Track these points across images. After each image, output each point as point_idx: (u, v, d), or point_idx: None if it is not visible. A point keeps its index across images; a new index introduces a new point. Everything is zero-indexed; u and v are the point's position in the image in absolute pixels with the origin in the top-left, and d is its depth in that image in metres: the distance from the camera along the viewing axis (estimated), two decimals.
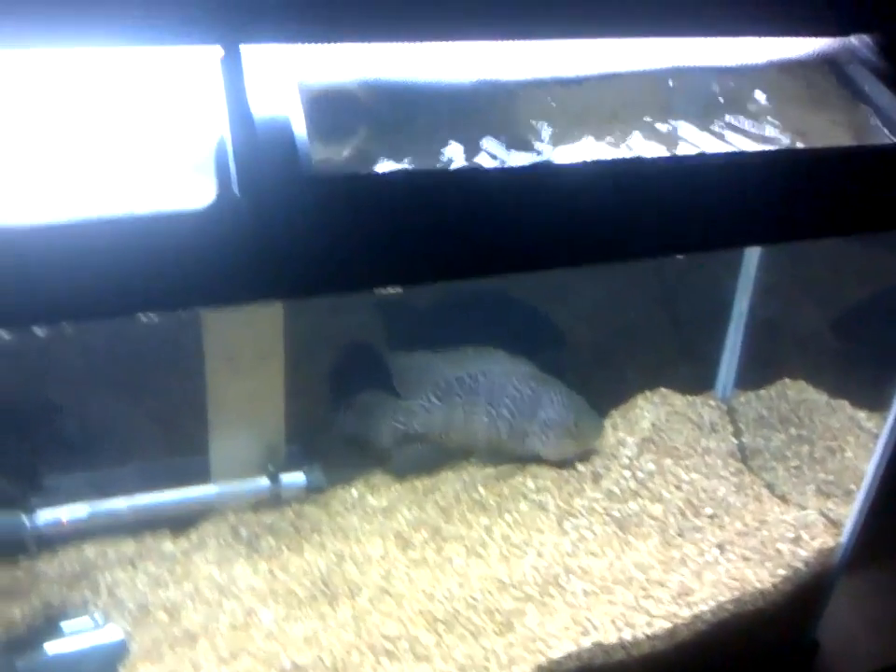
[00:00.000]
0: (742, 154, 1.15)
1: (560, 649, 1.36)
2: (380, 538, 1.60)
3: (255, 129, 0.90)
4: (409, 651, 1.38)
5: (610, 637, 1.38)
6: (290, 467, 1.67)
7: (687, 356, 1.94)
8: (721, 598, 1.46)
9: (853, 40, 1.27)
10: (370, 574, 1.52)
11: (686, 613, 1.43)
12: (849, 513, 1.53)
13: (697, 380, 1.93)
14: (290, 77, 0.96)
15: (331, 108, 1.00)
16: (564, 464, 1.73)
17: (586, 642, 1.37)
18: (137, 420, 1.66)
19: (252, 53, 0.95)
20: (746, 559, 1.53)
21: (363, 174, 0.95)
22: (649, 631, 1.40)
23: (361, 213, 0.89)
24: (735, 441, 1.83)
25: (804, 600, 1.53)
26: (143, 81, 0.97)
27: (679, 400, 1.91)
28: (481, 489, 1.70)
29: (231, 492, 1.63)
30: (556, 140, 1.08)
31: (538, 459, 1.74)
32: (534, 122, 1.10)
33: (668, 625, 1.41)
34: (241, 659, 1.37)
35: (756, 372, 1.92)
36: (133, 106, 0.98)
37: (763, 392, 1.94)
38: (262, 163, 0.88)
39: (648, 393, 1.92)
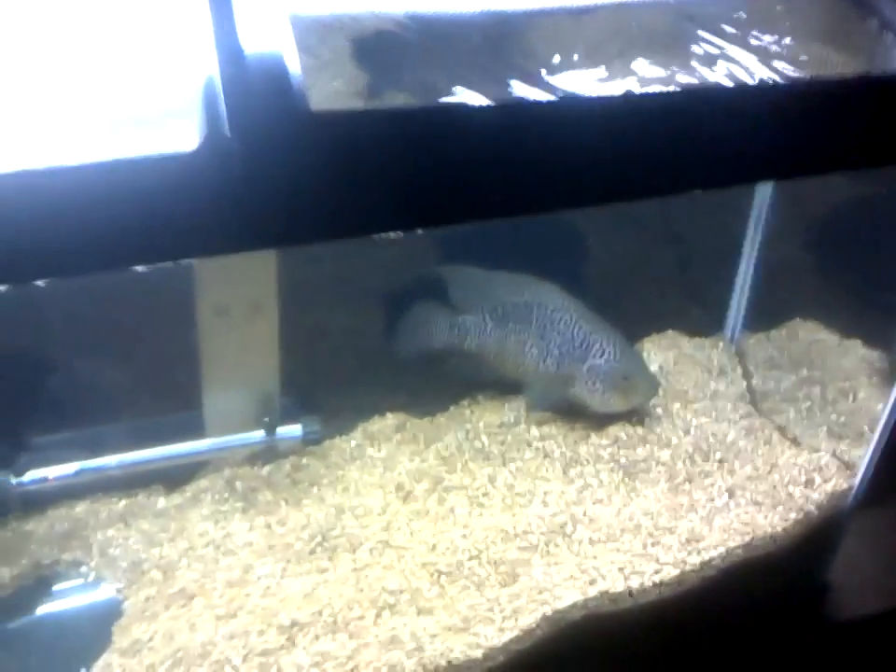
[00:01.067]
0: (751, 86, 1.08)
1: (566, 598, 1.32)
2: (380, 489, 1.55)
3: (245, 65, 0.82)
4: (411, 604, 1.34)
5: (618, 586, 1.34)
6: (287, 419, 1.62)
7: (696, 297, 1.87)
8: (731, 544, 1.41)
9: None
10: (370, 527, 1.48)
11: (695, 560, 1.38)
12: (863, 454, 1.48)
13: (706, 322, 1.87)
14: (281, 9, 0.88)
15: (325, 41, 0.93)
16: (611, 418, 1.66)
17: (593, 591, 1.33)
18: (127, 375, 1.61)
19: None
20: (757, 503, 1.48)
21: (362, 109, 0.88)
22: (657, 578, 1.36)
23: (362, 151, 0.82)
24: (745, 384, 1.77)
25: (815, 543, 1.49)
26: (126, 18, 0.90)
27: (687, 343, 1.85)
28: (484, 437, 1.65)
29: (225, 445, 1.58)
30: (561, 72, 1.00)
31: (584, 408, 1.67)
32: (541, 54, 1.02)
33: (677, 572, 1.37)
34: (239, 617, 1.33)
35: (767, 314, 1.85)
36: (117, 45, 0.91)
37: (773, 333, 1.88)
38: (254, 101, 0.81)
39: (655, 336, 1.85)
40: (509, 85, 0.92)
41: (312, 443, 1.64)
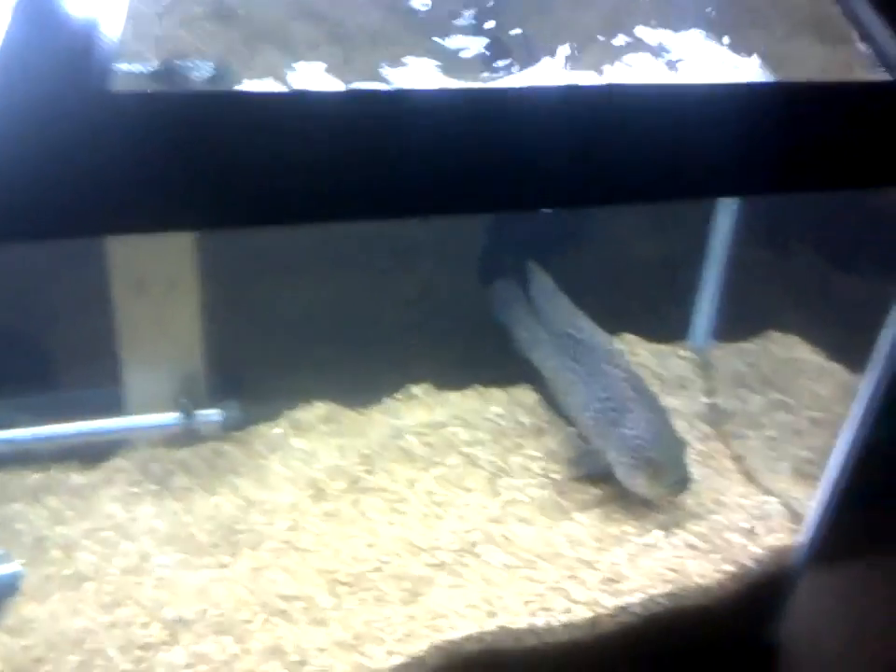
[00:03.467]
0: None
1: (462, 628, 1.24)
2: (294, 485, 1.49)
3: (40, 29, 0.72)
4: (304, 613, 1.28)
5: (520, 622, 1.25)
6: (213, 401, 1.55)
7: (660, 299, 1.73)
8: (654, 591, 1.30)
9: None
10: (276, 524, 1.41)
11: (611, 603, 1.28)
12: (812, 506, 1.35)
13: (670, 326, 1.74)
14: None
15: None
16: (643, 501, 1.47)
17: (491, 624, 1.25)
18: (44, 348, 1.55)
19: None
20: (691, 547, 1.37)
21: (172, 91, 0.77)
22: (565, 618, 1.26)
23: (157, 136, 0.72)
24: (707, 401, 1.65)
25: (756, 602, 1.37)
26: None
27: (644, 349, 1.73)
28: (411, 437, 1.57)
29: (140, 425, 1.52)
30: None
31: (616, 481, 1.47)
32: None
33: (590, 614, 1.27)
34: (125, 607, 1.28)
35: (740, 322, 1.71)
36: None
37: (745, 345, 1.74)
38: (42, 77, 0.71)
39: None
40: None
41: (233, 429, 1.57)
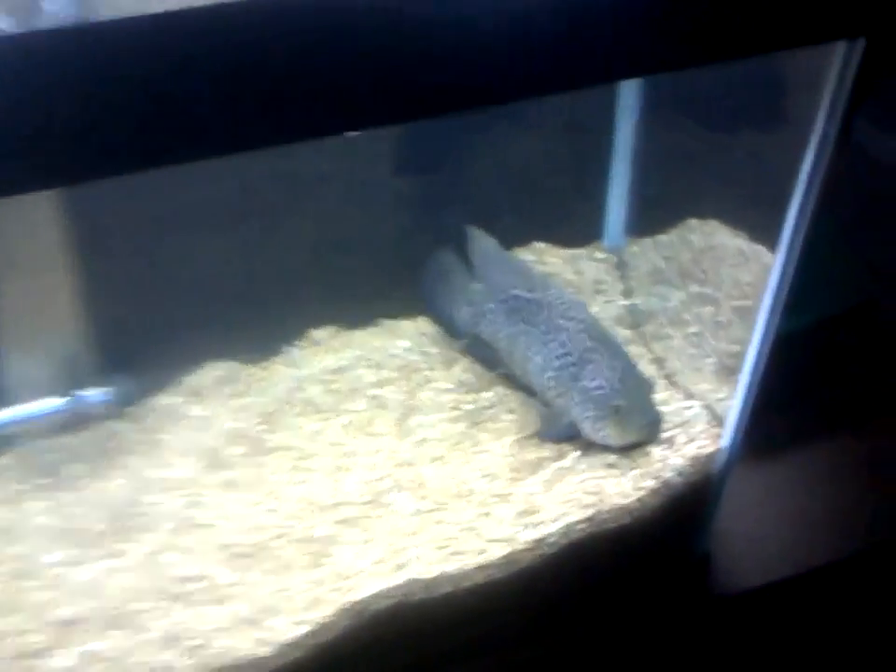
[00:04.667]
0: None
1: (370, 586, 1.16)
2: (191, 456, 1.38)
3: None
4: (204, 593, 1.19)
5: (431, 570, 1.17)
6: (97, 379, 1.44)
7: (568, 202, 1.60)
8: (572, 518, 1.22)
9: None
10: (173, 502, 1.32)
11: (528, 536, 1.20)
12: (732, 406, 1.25)
13: (582, 229, 1.61)
14: None
15: None
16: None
17: (401, 578, 1.16)
18: None
19: None
20: (609, 466, 1.28)
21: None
22: (481, 559, 1.18)
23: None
24: (625, 303, 1.54)
25: (680, 513, 1.29)
26: None
27: (556, 256, 1.60)
28: (314, 387, 1.46)
29: (23, 416, 1.41)
30: None
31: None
32: None
33: (505, 551, 1.19)
34: (12, 615, 1.20)
35: (656, 215, 1.58)
36: None
37: (661, 238, 1.60)
38: None
39: (517, 251, 1.61)
40: None
41: (126, 405, 1.46)
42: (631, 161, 1.48)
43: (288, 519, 1.27)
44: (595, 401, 1.31)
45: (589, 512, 1.22)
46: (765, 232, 1.53)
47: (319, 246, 1.62)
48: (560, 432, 1.35)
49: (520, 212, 1.64)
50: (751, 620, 1.32)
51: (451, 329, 1.54)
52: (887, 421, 1.50)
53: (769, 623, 1.32)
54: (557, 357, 1.36)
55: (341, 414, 1.41)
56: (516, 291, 1.43)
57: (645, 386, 1.36)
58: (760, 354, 1.17)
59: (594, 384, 1.32)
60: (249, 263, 1.59)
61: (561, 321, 1.37)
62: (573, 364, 1.34)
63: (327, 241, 1.62)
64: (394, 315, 1.59)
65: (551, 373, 1.36)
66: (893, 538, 1.33)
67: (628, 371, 1.35)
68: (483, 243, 1.50)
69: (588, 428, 1.32)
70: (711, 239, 1.58)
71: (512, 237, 1.57)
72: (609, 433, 1.30)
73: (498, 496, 1.26)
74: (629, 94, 1.43)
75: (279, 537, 1.25)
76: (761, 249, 1.53)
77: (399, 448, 1.35)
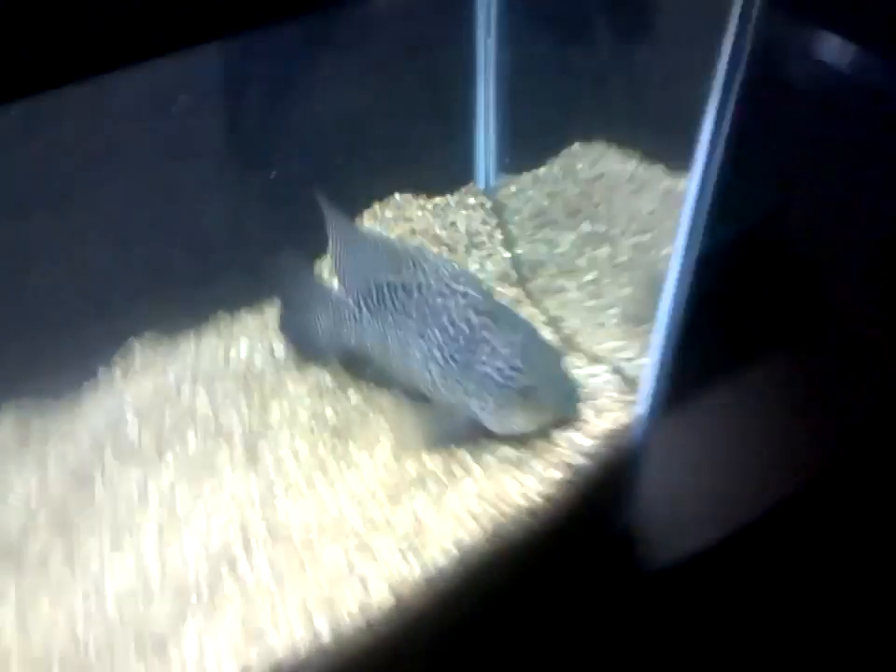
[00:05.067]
0: None
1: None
2: None
3: None
4: None
5: (298, 635, 0.91)
6: None
7: (429, 139, 1.30)
8: (468, 537, 0.98)
9: None
10: None
11: (414, 571, 0.96)
12: (646, 364, 1.02)
13: (448, 172, 1.33)
14: None
15: None
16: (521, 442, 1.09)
17: (257, 654, 0.90)
18: None
19: None
20: (507, 464, 1.04)
21: None
22: (361, 608, 0.93)
23: None
24: (508, 256, 1.27)
25: (596, 500, 1.06)
26: None
27: (421, 209, 1.32)
28: (131, 421, 1.14)
29: None
30: None
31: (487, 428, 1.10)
32: None
33: (391, 594, 0.94)
34: None
35: (533, 143, 1.31)
36: None
37: (542, 172, 1.34)
38: None
39: (376, 207, 1.32)
40: None
41: None
42: (496, 84, 1.20)
43: (114, 606, 0.98)
44: (497, 387, 1.04)
45: (488, 526, 0.98)
46: (661, 152, 1.29)
47: (128, 237, 1.30)
48: (450, 434, 1.09)
49: (372, 162, 1.35)
50: (678, 593, 1.13)
51: (311, 348, 1.22)
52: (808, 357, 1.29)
53: (696, 595, 1.13)
54: (440, 346, 1.08)
55: (167, 456, 1.11)
56: (381, 278, 1.13)
57: (552, 356, 1.10)
58: (676, 295, 0.93)
59: (490, 367, 1.05)
60: (42, 262, 1.26)
61: (439, 300, 1.08)
62: (462, 349, 1.07)
63: (136, 228, 1.30)
64: (232, 306, 1.29)
65: (434, 366, 1.09)
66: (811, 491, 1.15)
67: (530, 342, 1.08)
68: (333, 221, 1.17)
69: (493, 422, 1.06)
70: (600, 166, 1.31)
71: (368, 193, 1.28)
72: (518, 421, 1.05)
73: (376, 523, 1.01)
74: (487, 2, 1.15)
75: (110, 632, 0.96)
76: (657, 172, 1.28)
77: (246, 486, 1.06)
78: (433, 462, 1.06)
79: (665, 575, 1.11)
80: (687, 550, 1.10)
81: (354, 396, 1.15)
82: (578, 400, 1.08)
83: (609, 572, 1.12)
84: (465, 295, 1.08)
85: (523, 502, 1.00)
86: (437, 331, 1.07)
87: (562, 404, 1.07)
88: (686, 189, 0.90)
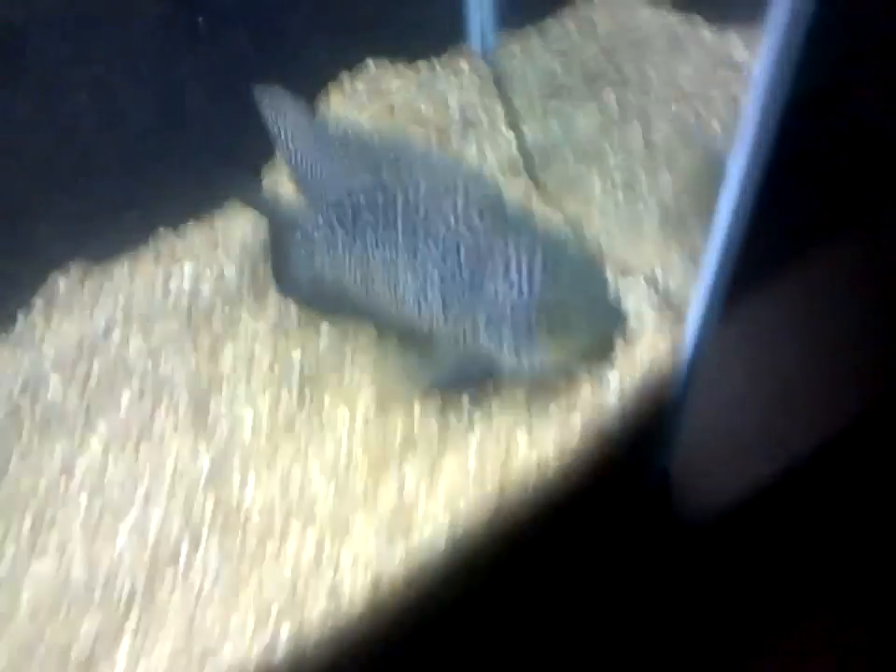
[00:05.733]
0: None
1: None
2: None
3: None
4: None
5: (252, 653, 0.73)
6: None
7: None
8: (469, 516, 0.77)
9: None
10: None
11: (399, 563, 0.76)
12: (695, 283, 0.77)
13: (434, 28, 1.03)
14: None
15: None
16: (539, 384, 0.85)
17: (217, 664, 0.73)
18: None
19: None
20: (518, 415, 0.81)
21: None
22: (330, 610, 0.74)
23: None
24: (511, 138, 0.99)
25: (625, 458, 0.85)
26: None
27: (399, 78, 1.03)
28: (54, 377, 0.91)
29: None
30: None
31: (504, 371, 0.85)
32: None
33: (372, 589, 0.75)
34: None
35: None
36: None
37: (549, 25, 1.03)
38: None
39: (344, 79, 1.04)
40: None
41: None
42: None
43: (21, 636, 0.79)
44: (510, 311, 0.80)
45: (493, 498, 0.78)
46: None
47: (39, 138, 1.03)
48: (450, 377, 0.85)
49: (336, 19, 1.06)
50: (723, 548, 0.93)
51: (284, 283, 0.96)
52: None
53: (744, 548, 0.93)
54: (438, 262, 0.82)
55: (96, 423, 0.89)
56: (352, 183, 0.85)
57: (585, 265, 0.84)
58: (742, 191, 0.67)
59: (505, 284, 0.80)
60: None
61: (432, 204, 0.82)
62: (466, 263, 0.81)
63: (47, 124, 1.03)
64: (176, 219, 1.05)
65: (431, 289, 0.83)
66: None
67: (555, 249, 0.81)
68: (281, 114, 0.89)
69: (505, 356, 0.82)
70: (623, 17, 1.00)
71: (333, 60, 1.00)
72: (542, 354, 0.81)
73: (356, 500, 0.80)
74: None
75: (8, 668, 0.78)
76: (695, 25, 0.98)
77: (194, 458, 0.86)
78: (427, 416, 0.84)
79: (710, 529, 0.91)
80: (735, 500, 0.90)
81: (327, 333, 0.91)
82: (622, 326, 0.83)
83: (646, 534, 0.92)
84: (465, 193, 0.82)
85: (538, 465, 0.78)
86: (432, 244, 0.82)
87: (601, 330, 0.83)
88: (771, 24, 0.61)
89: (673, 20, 1.00)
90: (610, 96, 0.97)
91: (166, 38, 0.99)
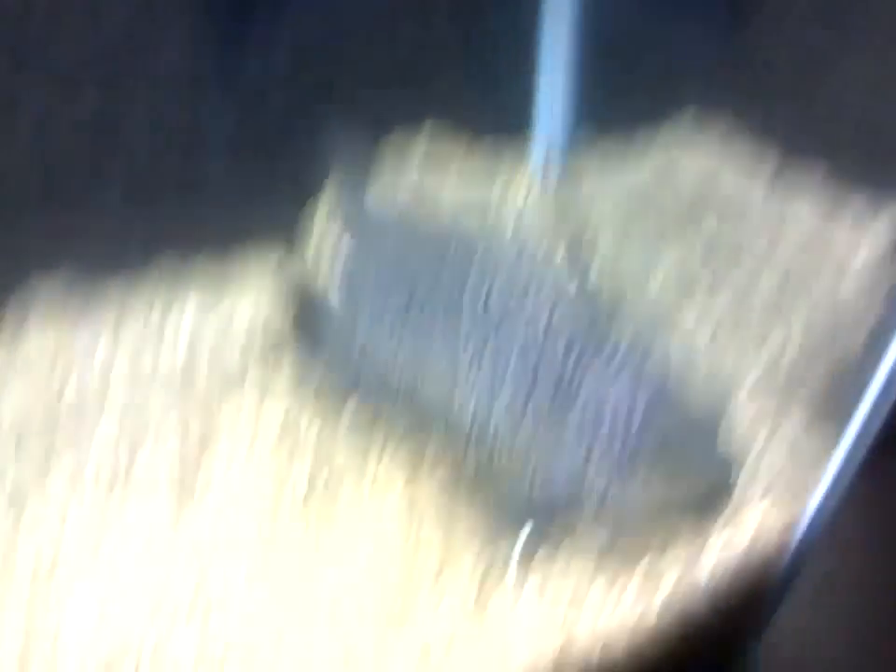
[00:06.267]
0: None
1: None
2: None
3: None
4: None
5: None
6: None
7: (482, 66, 0.89)
8: None
9: None
10: None
11: None
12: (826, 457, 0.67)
13: (495, 142, 0.95)
14: None
15: None
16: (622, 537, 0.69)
17: None
18: None
19: None
20: (582, 580, 0.67)
21: None
22: None
23: None
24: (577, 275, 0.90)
25: (709, 644, 0.71)
26: None
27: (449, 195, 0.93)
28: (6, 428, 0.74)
29: None
30: None
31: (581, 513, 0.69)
32: None
33: None
34: None
35: (615, 112, 0.93)
36: None
37: (630, 152, 0.96)
38: None
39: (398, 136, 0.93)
40: None
41: None
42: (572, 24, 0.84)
43: None
44: (606, 443, 0.65)
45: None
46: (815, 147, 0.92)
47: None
48: (516, 516, 0.69)
49: (405, 83, 0.95)
50: None
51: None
52: None
53: None
54: (515, 373, 0.68)
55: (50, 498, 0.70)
56: (406, 281, 0.73)
57: (700, 405, 0.70)
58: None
59: (603, 410, 0.65)
60: None
61: (515, 300, 0.68)
62: (554, 378, 0.67)
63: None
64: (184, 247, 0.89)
65: (501, 407, 0.68)
66: None
67: (660, 371, 0.68)
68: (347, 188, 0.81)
69: (590, 497, 0.66)
70: (715, 162, 0.92)
71: (396, 118, 0.89)
72: (638, 496, 0.66)
73: (362, 657, 0.63)
74: None
75: None
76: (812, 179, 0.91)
77: (174, 546, 0.68)
78: (466, 558, 0.68)
79: None
80: None
81: (349, 425, 0.76)
82: (735, 480, 0.70)
83: None
84: (558, 290, 0.68)
85: (594, 647, 0.64)
86: (513, 349, 0.68)
87: (712, 478, 0.69)
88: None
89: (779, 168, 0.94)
90: (716, 282, 0.86)
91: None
